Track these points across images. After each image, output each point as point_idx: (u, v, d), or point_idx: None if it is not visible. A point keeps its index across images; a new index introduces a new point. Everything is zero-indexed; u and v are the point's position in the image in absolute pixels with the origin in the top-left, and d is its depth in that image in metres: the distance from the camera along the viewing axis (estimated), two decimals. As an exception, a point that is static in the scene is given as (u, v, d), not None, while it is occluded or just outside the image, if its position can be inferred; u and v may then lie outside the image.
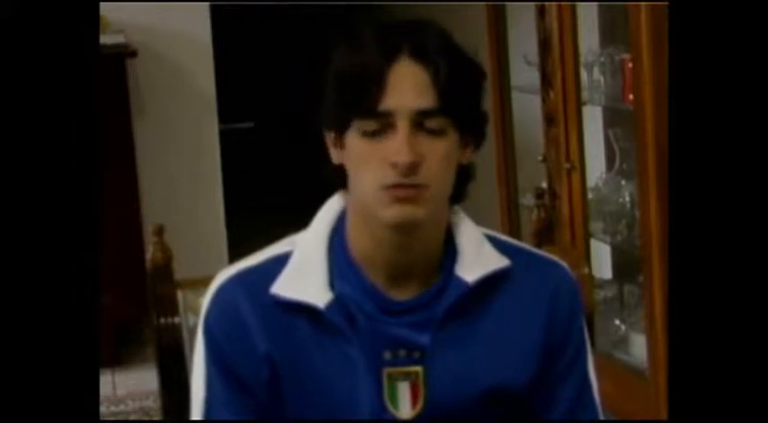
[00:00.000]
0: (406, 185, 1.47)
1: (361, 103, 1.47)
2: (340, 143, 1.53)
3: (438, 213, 1.54)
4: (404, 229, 1.50)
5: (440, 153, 1.49)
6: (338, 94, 1.51)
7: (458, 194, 1.58)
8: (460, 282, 1.54)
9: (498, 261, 1.57)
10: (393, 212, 1.48)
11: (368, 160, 1.48)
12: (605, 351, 3.46)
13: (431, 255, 1.56)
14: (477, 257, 1.56)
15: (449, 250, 1.58)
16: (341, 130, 1.51)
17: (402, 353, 1.54)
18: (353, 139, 1.50)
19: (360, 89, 1.47)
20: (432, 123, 1.48)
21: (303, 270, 1.55)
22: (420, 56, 1.48)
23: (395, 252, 1.53)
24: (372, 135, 1.48)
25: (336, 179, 1.56)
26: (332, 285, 1.54)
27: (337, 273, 1.55)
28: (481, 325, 1.56)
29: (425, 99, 1.47)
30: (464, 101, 1.51)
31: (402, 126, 1.46)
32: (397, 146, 1.46)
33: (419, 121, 1.47)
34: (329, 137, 1.55)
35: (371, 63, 1.47)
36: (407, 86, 1.47)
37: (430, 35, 1.51)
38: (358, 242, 1.56)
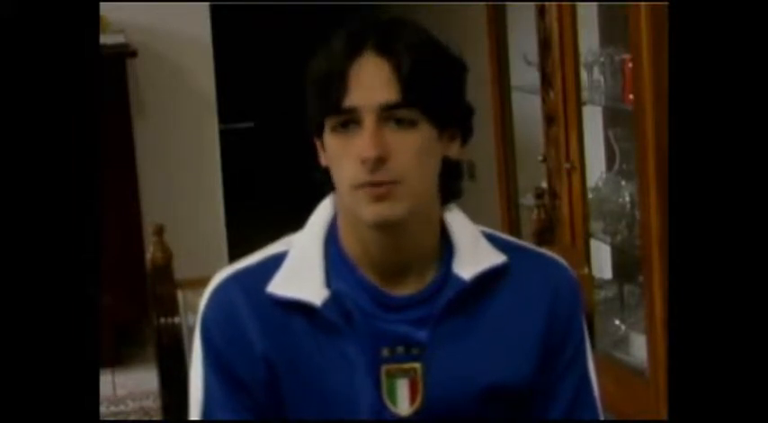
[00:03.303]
0: (377, 183, 1.47)
1: (328, 101, 1.48)
2: (323, 146, 1.54)
3: (425, 210, 1.54)
4: (386, 228, 1.50)
5: (411, 146, 1.48)
6: (312, 97, 1.52)
7: (450, 191, 1.58)
8: (458, 278, 1.54)
9: (495, 257, 1.57)
10: (371, 211, 1.48)
11: (341, 158, 1.49)
12: (605, 351, 3.46)
13: (425, 252, 1.56)
14: (473, 254, 1.57)
15: (445, 247, 1.58)
16: (320, 132, 1.53)
17: (400, 349, 1.54)
18: (329, 138, 1.51)
19: (326, 88, 1.48)
20: (400, 115, 1.47)
21: (299, 269, 1.56)
22: (383, 50, 1.48)
23: (384, 252, 1.53)
24: (343, 131, 1.48)
25: (326, 182, 1.57)
26: (328, 283, 1.54)
27: (333, 271, 1.56)
28: (480, 322, 1.56)
29: (389, 93, 1.47)
30: (434, 92, 1.49)
31: (368, 121, 1.47)
32: (363, 142, 1.46)
33: (386, 115, 1.47)
34: (317, 141, 1.56)
35: (335, 61, 1.48)
36: (370, 81, 1.47)
37: (397, 30, 1.51)
38: (349, 242, 1.56)
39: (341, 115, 1.48)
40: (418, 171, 1.49)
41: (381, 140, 1.46)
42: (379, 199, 1.47)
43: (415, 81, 1.47)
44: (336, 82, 1.47)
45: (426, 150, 1.50)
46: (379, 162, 1.46)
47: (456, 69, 1.55)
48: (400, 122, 1.48)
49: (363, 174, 1.46)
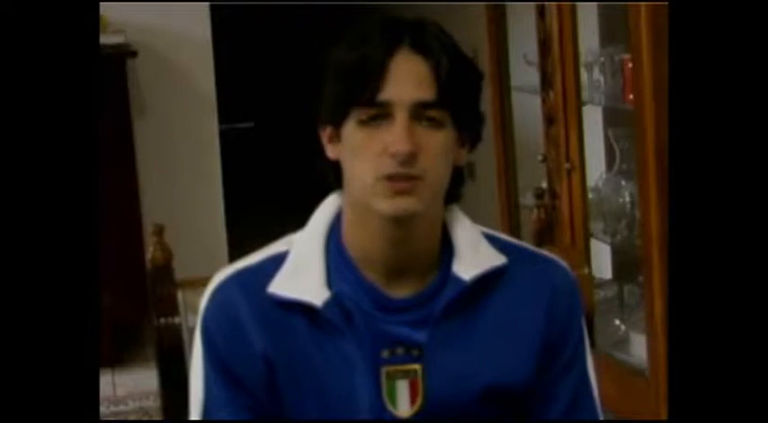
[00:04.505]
0: (404, 177, 1.47)
1: (360, 93, 1.48)
2: (337, 137, 1.54)
3: (434, 208, 1.55)
4: (401, 222, 1.51)
5: (437, 145, 1.49)
6: (338, 85, 1.52)
7: (452, 195, 1.59)
8: (458, 279, 1.55)
9: (495, 259, 1.58)
10: (391, 204, 1.48)
11: (365, 150, 1.49)
12: (605, 351, 3.46)
13: (427, 252, 1.56)
14: (474, 255, 1.57)
15: (446, 248, 1.58)
16: (339, 122, 1.52)
17: (400, 351, 1.54)
18: (351, 129, 1.51)
19: (360, 79, 1.48)
20: (431, 114, 1.49)
21: (300, 269, 1.56)
22: (420, 49, 1.50)
23: (391, 247, 1.53)
24: (370, 123, 1.48)
25: (331, 176, 1.57)
26: (329, 284, 1.54)
27: (334, 271, 1.56)
28: (479, 323, 1.56)
29: (425, 91, 1.48)
30: (463, 96, 1.52)
31: (401, 116, 1.47)
32: (396, 135, 1.47)
33: (417, 113, 1.48)
34: (325, 132, 1.56)
35: (372, 54, 1.49)
36: (407, 78, 1.48)
37: (430, 31, 1.53)
38: (354, 239, 1.56)
39: (372, 108, 1.48)
40: (439, 170, 1.51)
41: (414, 136, 1.47)
42: (400, 194, 1.48)
43: (450, 82, 1.49)
44: (373, 74, 1.48)
45: (447, 151, 1.52)
46: (411, 157, 1.46)
47: (477, 77, 1.57)
48: (430, 121, 1.49)
49: (391, 166, 1.47)
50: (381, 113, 1.48)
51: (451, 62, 1.50)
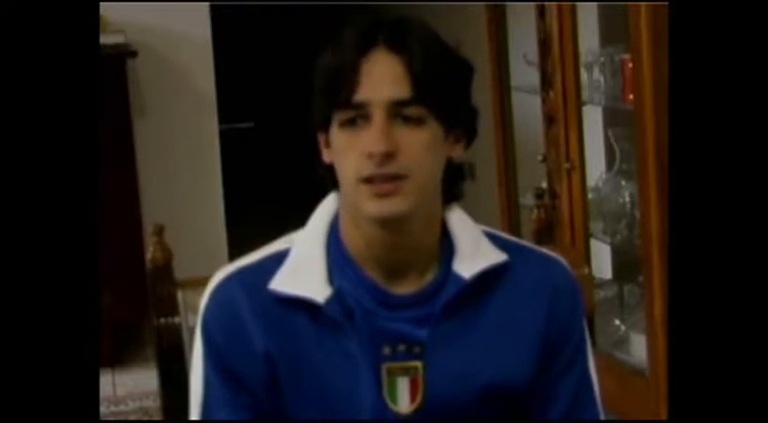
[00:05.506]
0: (384, 178, 1.47)
1: (337, 96, 1.48)
2: (328, 141, 1.54)
3: (427, 208, 1.54)
4: (388, 224, 1.50)
5: (418, 143, 1.48)
6: (320, 92, 1.52)
7: (452, 193, 1.59)
8: (458, 277, 1.55)
9: (496, 256, 1.58)
10: (375, 207, 1.48)
11: (348, 153, 1.49)
12: (605, 351, 3.46)
13: (426, 250, 1.56)
14: (474, 253, 1.57)
15: (446, 245, 1.58)
16: (326, 127, 1.53)
17: (401, 348, 1.54)
18: (335, 132, 1.51)
19: (337, 83, 1.48)
20: (408, 112, 1.48)
21: (302, 266, 1.56)
22: (395, 47, 1.49)
23: (386, 249, 1.53)
24: (351, 125, 1.48)
25: (328, 179, 1.57)
26: (330, 281, 1.54)
27: (335, 269, 1.56)
28: (480, 321, 1.56)
29: (400, 89, 1.47)
30: (443, 91, 1.50)
31: (377, 116, 1.47)
32: (372, 136, 1.47)
33: (396, 111, 1.48)
34: (321, 138, 1.56)
35: (347, 57, 1.49)
36: (382, 77, 1.48)
37: (408, 29, 1.52)
38: (351, 241, 1.56)
39: (350, 110, 1.48)
40: (424, 168, 1.50)
41: (390, 136, 1.47)
42: (384, 195, 1.47)
43: (425, 78, 1.48)
44: (347, 76, 1.48)
45: (433, 148, 1.51)
46: (387, 157, 1.46)
47: (463, 70, 1.56)
48: (408, 119, 1.48)
49: (370, 167, 1.47)
50: (360, 115, 1.48)
51: (428, 57, 1.49)
